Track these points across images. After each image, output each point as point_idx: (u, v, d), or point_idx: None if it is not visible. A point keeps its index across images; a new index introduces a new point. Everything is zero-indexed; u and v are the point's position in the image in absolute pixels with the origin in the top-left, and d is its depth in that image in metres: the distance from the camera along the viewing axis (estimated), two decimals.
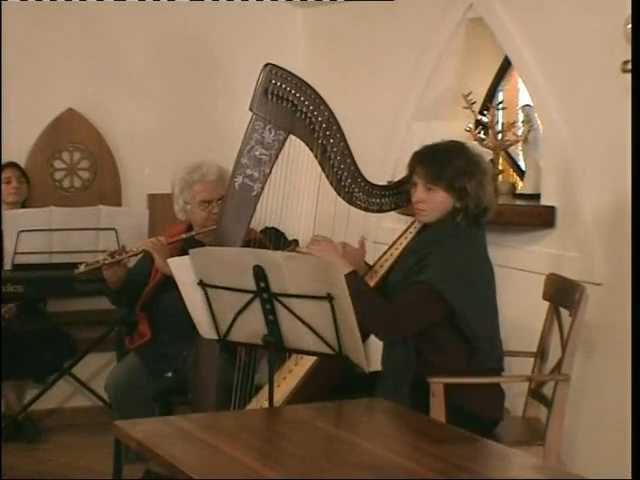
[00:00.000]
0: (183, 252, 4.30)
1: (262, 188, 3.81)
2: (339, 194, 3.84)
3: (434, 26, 4.97)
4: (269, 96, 3.76)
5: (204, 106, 5.95)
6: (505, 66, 5.01)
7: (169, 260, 3.30)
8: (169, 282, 4.23)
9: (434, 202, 3.64)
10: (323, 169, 3.81)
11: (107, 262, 4.30)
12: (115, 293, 4.45)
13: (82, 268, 4.35)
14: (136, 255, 4.40)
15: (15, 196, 5.43)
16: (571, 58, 4.23)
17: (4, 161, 5.49)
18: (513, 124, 4.71)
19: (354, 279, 3.52)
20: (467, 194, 3.59)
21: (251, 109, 3.79)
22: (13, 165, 5.49)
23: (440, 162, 3.63)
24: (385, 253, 3.95)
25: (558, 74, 4.31)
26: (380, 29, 5.38)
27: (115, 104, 5.79)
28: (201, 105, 5.95)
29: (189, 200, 4.42)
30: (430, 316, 3.55)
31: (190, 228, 4.47)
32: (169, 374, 4.37)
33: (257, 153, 3.79)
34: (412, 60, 5.11)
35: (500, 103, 4.95)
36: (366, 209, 3.90)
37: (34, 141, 5.70)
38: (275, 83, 3.75)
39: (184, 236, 4.38)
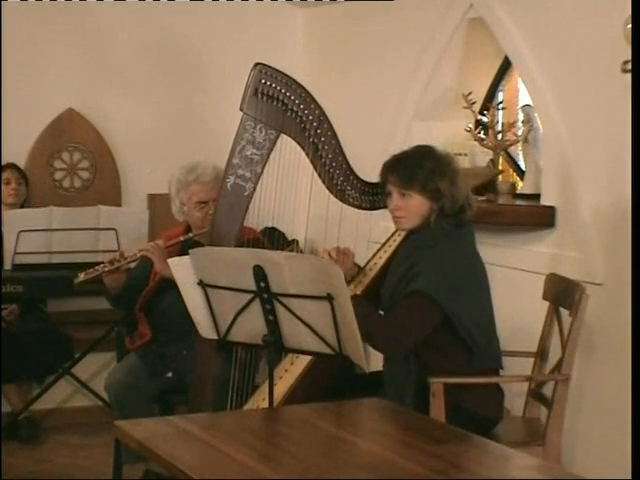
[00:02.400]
0: (182, 254, 4.32)
1: (254, 188, 3.82)
2: (331, 192, 3.84)
3: (434, 26, 4.97)
4: (259, 95, 3.76)
5: (204, 106, 5.95)
6: (505, 66, 5.01)
7: (169, 260, 3.30)
8: (169, 283, 4.23)
9: (410, 207, 3.64)
10: (315, 167, 3.81)
11: (106, 270, 4.28)
12: (115, 297, 4.44)
13: (81, 277, 4.32)
14: (135, 261, 4.37)
15: (14, 197, 5.43)
16: (571, 58, 4.23)
17: (4, 162, 5.49)
18: (513, 124, 4.71)
19: (357, 303, 3.53)
20: (441, 194, 3.59)
21: (241, 109, 3.79)
22: (12, 166, 5.49)
23: (410, 166, 3.63)
24: (375, 255, 3.95)
25: (558, 74, 4.31)
26: (380, 29, 5.38)
27: (115, 104, 5.80)
28: (201, 105, 5.95)
29: (185, 201, 4.40)
30: (430, 324, 3.54)
31: (189, 229, 4.46)
32: (169, 374, 4.37)
33: (248, 153, 3.80)
34: (412, 60, 5.11)
35: (500, 103, 4.95)
36: (359, 206, 3.91)
37: (34, 141, 5.70)
38: (265, 82, 3.75)
39: (182, 238, 4.36)
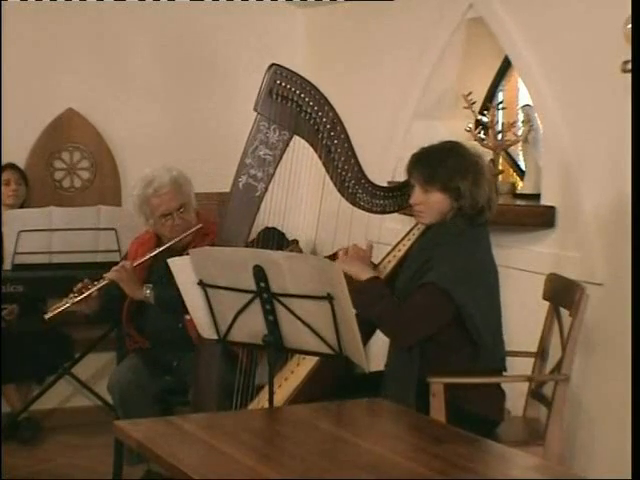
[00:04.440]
0: (153, 268, 4.30)
1: (266, 188, 3.82)
2: (343, 195, 3.84)
3: (434, 26, 4.97)
4: (274, 96, 3.76)
5: (204, 106, 5.95)
6: (505, 66, 5.01)
7: (169, 260, 3.29)
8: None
9: (431, 203, 3.64)
10: (327, 170, 3.81)
11: (76, 301, 4.22)
12: (93, 317, 4.41)
13: (51, 313, 4.25)
14: (102, 287, 4.26)
15: (14, 198, 5.41)
16: (571, 58, 4.23)
17: (3, 162, 5.48)
18: (513, 124, 4.71)
19: (375, 284, 3.54)
20: (461, 194, 3.59)
21: (255, 109, 3.79)
22: (12, 167, 5.47)
23: (434, 163, 3.62)
24: (389, 254, 3.95)
25: (558, 74, 4.31)
26: (380, 29, 5.38)
27: (115, 104, 5.80)
28: (201, 105, 5.96)
29: (149, 215, 4.35)
30: (442, 316, 3.54)
31: (158, 235, 4.43)
32: (167, 378, 4.37)
33: (261, 153, 3.79)
34: (412, 60, 5.11)
35: (500, 103, 4.95)
36: (369, 210, 3.91)
37: (34, 141, 5.70)
38: (280, 83, 3.75)
39: (148, 256, 4.30)
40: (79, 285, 4.26)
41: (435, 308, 3.54)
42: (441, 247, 3.60)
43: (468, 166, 3.61)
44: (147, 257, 4.31)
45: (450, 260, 3.56)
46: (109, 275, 4.27)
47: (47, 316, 4.29)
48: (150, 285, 4.26)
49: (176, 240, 4.27)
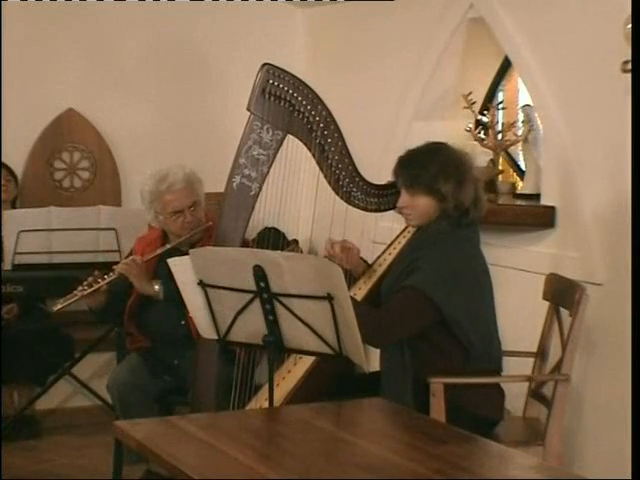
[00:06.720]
0: (160, 264, 4.31)
1: (260, 188, 3.82)
2: (337, 194, 3.85)
3: (434, 26, 4.97)
4: (267, 96, 3.76)
5: (204, 106, 5.95)
6: (505, 66, 5.01)
7: (169, 260, 3.29)
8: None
9: (417, 206, 3.64)
10: (321, 169, 3.82)
11: (85, 293, 4.21)
12: (98, 314, 4.40)
13: (60, 305, 4.24)
14: (112, 281, 4.26)
15: (3, 194, 5.37)
16: (571, 58, 4.24)
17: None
18: (513, 124, 4.71)
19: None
20: (444, 196, 3.59)
21: (249, 109, 3.80)
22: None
23: (417, 167, 3.62)
24: (384, 252, 3.95)
25: (558, 74, 4.31)
26: (380, 29, 5.38)
27: (115, 104, 5.80)
28: (201, 105, 5.95)
29: (160, 211, 4.34)
30: (421, 320, 3.54)
31: (165, 233, 4.43)
32: (167, 377, 4.37)
33: (255, 153, 3.80)
34: (412, 60, 5.11)
35: (500, 103, 4.96)
36: (364, 208, 3.91)
37: (34, 141, 5.69)
38: (272, 83, 3.76)
39: (159, 251, 4.30)
40: (89, 279, 4.24)
41: (413, 312, 3.53)
42: (426, 249, 3.60)
43: (451, 168, 3.60)
44: (158, 252, 4.31)
45: (434, 263, 3.55)
46: (119, 268, 4.26)
47: (55, 308, 4.27)
48: (159, 281, 4.27)
49: (187, 237, 4.28)
